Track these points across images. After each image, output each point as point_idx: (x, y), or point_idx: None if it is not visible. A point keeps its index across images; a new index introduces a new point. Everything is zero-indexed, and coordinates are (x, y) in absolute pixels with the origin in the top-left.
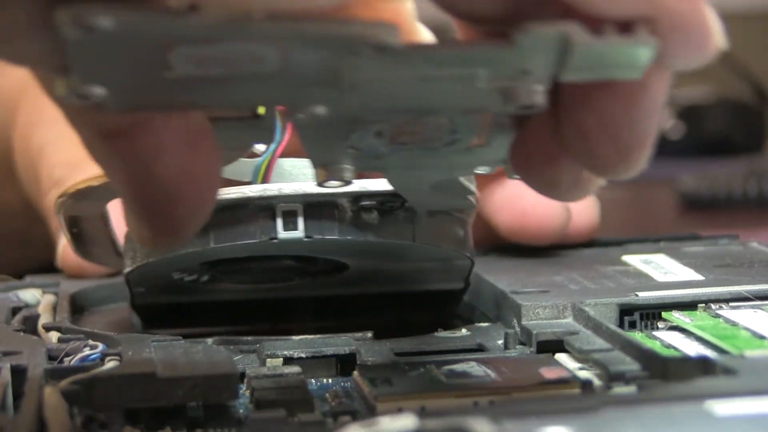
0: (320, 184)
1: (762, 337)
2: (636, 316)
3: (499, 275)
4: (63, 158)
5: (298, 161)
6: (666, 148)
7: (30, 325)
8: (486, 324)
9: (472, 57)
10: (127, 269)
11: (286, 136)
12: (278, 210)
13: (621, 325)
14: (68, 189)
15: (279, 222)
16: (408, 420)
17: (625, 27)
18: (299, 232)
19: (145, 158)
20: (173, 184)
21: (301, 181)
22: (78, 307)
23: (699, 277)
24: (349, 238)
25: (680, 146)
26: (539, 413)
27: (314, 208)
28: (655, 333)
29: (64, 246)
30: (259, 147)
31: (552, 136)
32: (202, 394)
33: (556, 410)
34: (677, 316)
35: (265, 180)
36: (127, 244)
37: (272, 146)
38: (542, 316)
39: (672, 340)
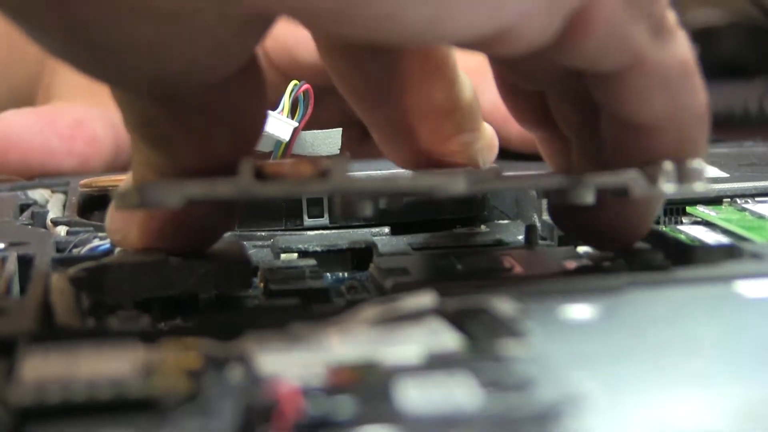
0: None
1: None
2: (660, 210)
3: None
4: None
5: (319, 133)
6: None
7: (39, 220)
8: (506, 221)
9: None
10: None
11: (309, 111)
12: None
13: None
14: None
15: None
16: (427, 299)
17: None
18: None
19: None
20: None
21: (323, 152)
22: (88, 204)
23: (724, 174)
24: None
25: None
26: (562, 293)
27: None
28: (679, 227)
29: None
30: (274, 114)
31: None
32: (214, 283)
33: (580, 290)
34: (702, 210)
35: (286, 152)
36: None
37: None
38: None
39: (697, 233)
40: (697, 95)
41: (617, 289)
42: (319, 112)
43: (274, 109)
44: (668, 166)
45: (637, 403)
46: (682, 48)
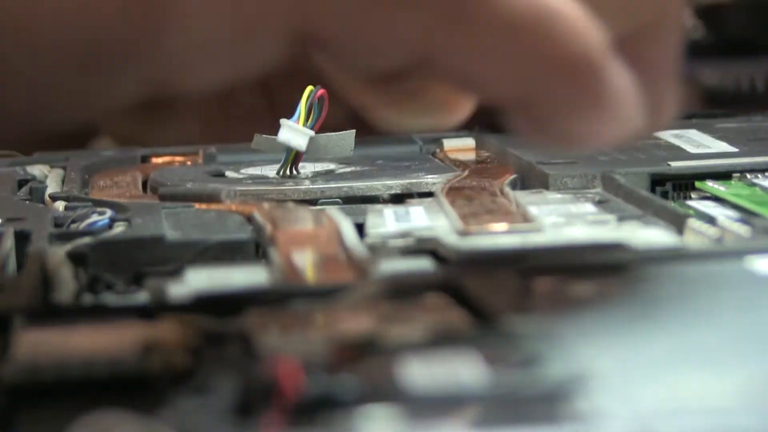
0: None
1: None
2: (668, 186)
3: (524, 149)
4: None
5: (333, 135)
6: (686, 48)
7: (37, 195)
8: None
9: None
10: None
11: (323, 114)
12: None
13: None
14: None
15: None
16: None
17: None
18: None
19: None
20: None
21: (336, 155)
22: (87, 180)
23: (733, 149)
24: None
25: (700, 46)
26: (567, 270)
27: None
28: (688, 202)
29: None
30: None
31: None
32: (213, 259)
33: (586, 265)
34: (712, 185)
35: (297, 160)
36: None
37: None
38: (570, 185)
39: (706, 208)
40: None
41: (625, 265)
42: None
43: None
44: None
45: (647, 381)
46: None
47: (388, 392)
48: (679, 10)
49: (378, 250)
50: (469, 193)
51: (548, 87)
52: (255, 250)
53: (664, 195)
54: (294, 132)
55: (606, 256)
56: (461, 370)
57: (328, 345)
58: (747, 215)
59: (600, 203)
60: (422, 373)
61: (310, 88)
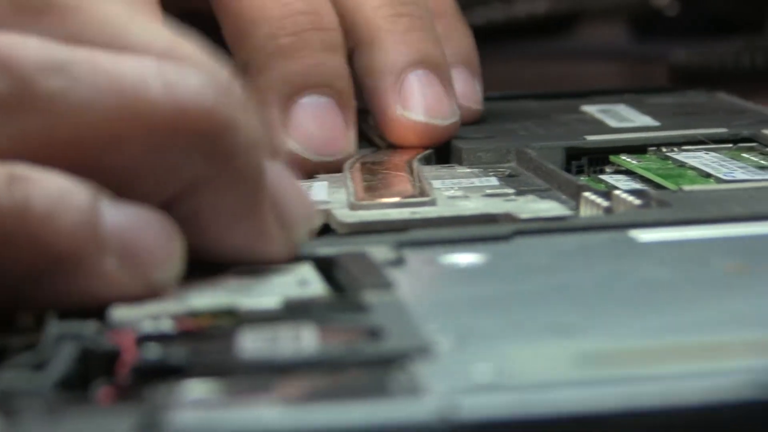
0: None
1: (708, 175)
2: (584, 160)
3: None
4: None
5: None
6: (661, 26)
7: None
8: None
9: None
10: None
11: None
12: None
13: (568, 169)
14: None
15: None
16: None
17: None
18: None
19: None
20: None
21: None
22: None
23: (655, 123)
24: None
25: (676, 24)
26: (446, 242)
27: None
28: (601, 176)
29: None
30: None
31: None
32: None
33: (466, 238)
34: (626, 159)
35: None
36: None
37: None
38: (485, 160)
39: (617, 182)
40: None
41: (505, 237)
42: None
43: None
44: None
45: (478, 355)
46: None
47: (222, 364)
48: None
49: None
50: (375, 168)
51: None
52: None
53: (580, 169)
54: None
55: (484, 228)
56: (296, 340)
57: (175, 316)
58: (652, 188)
59: (510, 177)
60: (256, 342)
61: None
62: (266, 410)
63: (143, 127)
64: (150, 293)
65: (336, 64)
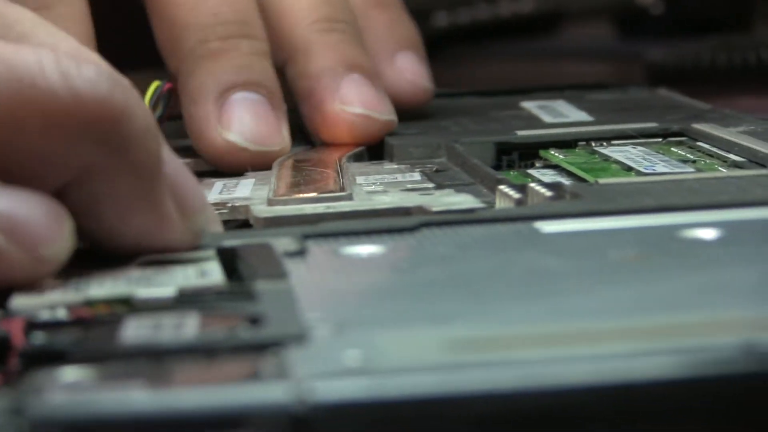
0: None
1: (629, 169)
2: (515, 155)
3: None
4: None
5: None
6: (645, 26)
7: None
8: None
9: None
10: None
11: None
12: None
13: (499, 164)
14: None
15: None
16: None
17: None
18: None
19: None
20: None
21: None
22: None
23: (589, 118)
24: None
25: (661, 23)
26: (352, 234)
27: None
28: (529, 171)
29: None
30: None
31: None
32: None
33: (373, 230)
34: (554, 154)
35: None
36: None
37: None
38: (415, 155)
39: (543, 176)
40: None
41: (409, 229)
42: None
43: None
44: None
45: (350, 342)
46: None
47: (103, 349)
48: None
49: None
50: (302, 165)
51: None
52: None
53: (510, 163)
54: None
55: (392, 220)
56: (174, 329)
57: (69, 305)
58: (576, 181)
59: (437, 172)
60: (139, 331)
61: (156, 83)
62: (134, 393)
63: (39, 113)
64: (41, 270)
65: (264, 66)
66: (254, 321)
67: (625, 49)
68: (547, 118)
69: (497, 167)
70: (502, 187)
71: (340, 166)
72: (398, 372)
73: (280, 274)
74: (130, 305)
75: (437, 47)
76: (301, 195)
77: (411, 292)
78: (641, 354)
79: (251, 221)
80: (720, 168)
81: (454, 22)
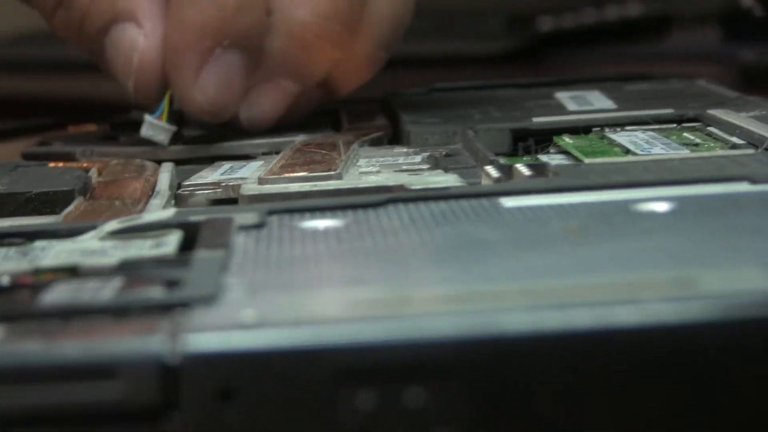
0: None
1: (628, 152)
2: (531, 141)
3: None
4: None
5: None
6: (745, 29)
7: None
8: None
9: None
10: None
11: None
12: None
13: (516, 150)
14: None
15: None
16: (169, 212)
17: None
18: None
19: None
20: None
21: None
22: None
23: (613, 106)
24: None
25: (762, 26)
26: (318, 209)
27: None
28: (541, 156)
29: None
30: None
31: None
32: (34, 209)
33: (342, 205)
34: (566, 139)
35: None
36: None
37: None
38: (431, 142)
39: (553, 160)
40: None
41: (379, 205)
42: None
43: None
44: None
45: (252, 303)
46: None
47: (21, 311)
48: None
49: (184, 198)
50: (310, 148)
51: None
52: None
53: (527, 149)
54: (155, 128)
55: (362, 197)
56: (93, 292)
57: (13, 274)
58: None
59: (446, 156)
60: (60, 294)
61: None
62: (27, 346)
63: None
64: None
65: None
66: (172, 284)
67: (725, 52)
68: (572, 107)
69: (514, 153)
70: (487, 167)
71: (349, 149)
72: (280, 327)
73: (222, 245)
74: (76, 273)
75: (541, 52)
76: (289, 174)
77: (339, 259)
78: (518, 309)
79: (239, 199)
80: (718, 150)
81: (560, 26)
